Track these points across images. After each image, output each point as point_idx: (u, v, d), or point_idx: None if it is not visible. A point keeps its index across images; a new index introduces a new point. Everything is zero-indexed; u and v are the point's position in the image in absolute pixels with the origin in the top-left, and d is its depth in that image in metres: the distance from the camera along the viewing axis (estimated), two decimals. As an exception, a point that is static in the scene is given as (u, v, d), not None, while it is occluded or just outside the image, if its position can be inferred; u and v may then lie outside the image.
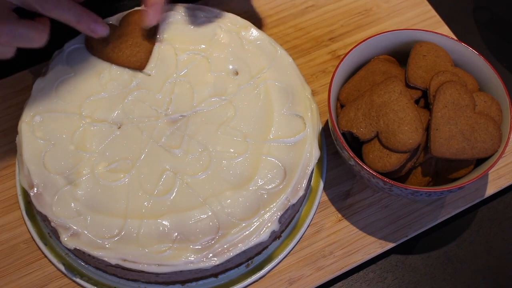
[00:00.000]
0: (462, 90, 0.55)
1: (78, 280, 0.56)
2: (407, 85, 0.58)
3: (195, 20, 0.63)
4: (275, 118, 0.58)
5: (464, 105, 0.54)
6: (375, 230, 0.61)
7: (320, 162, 0.63)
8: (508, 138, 0.55)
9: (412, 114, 0.54)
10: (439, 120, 0.54)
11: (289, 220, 0.59)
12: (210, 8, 0.64)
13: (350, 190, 0.63)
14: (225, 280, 0.57)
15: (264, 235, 0.52)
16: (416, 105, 0.56)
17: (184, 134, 0.57)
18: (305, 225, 0.60)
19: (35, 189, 0.53)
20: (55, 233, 0.55)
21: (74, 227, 0.52)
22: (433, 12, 0.75)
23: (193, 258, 0.51)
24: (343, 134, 0.57)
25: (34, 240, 0.59)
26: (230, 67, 0.61)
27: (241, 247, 0.52)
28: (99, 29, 0.57)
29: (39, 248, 0.58)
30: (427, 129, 0.55)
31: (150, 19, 0.58)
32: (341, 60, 0.59)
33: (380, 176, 0.53)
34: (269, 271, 0.58)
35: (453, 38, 0.61)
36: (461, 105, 0.54)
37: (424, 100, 0.59)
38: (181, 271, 0.51)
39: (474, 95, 0.57)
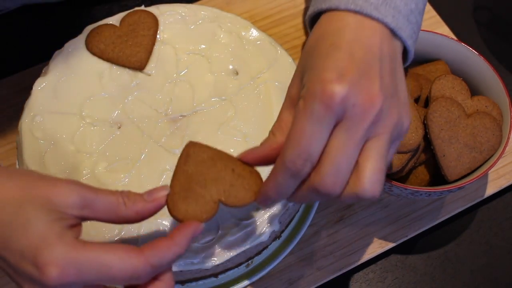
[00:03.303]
0: (448, 103, 0.54)
1: (78, 280, 0.56)
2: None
3: (195, 20, 0.63)
4: (275, 118, 0.58)
5: (456, 116, 0.54)
6: (375, 230, 0.61)
7: (320, 162, 0.63)
8: (508, 138, 0.55)
9: (412, 114, 0.54)
10: (442, 146, 0.53)
11: (289, 220, 0.59)
12: (210, 8, 0.64)
13: (350, 190, 0.63)
14: (225, 280, 0.57)
15: (264, 235, 0.52)
16: (415, 104, 0.56)
17: (184, 134, 0.57)
18: (305, 225, 0.60)
19: (35, 189, 0.53)
20: (55, 233, 0.55)
21: (74, 227, 0.52)
22: (433, 12, 0.75)
23: (193, 258, 0.51)
24: (343, 134, 0.57)
25: (34, 240, 0.58)
26: (230, 67, 0.61)
27: (241, 247, 0.52)
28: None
29: (39, 248, 0.58)
30: (435, 157, 0.54)
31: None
32: (341, 60, 0.58)
33: (380, 176, 0.53)
34: (269, 271, 0.58)
35: (453, 38, 0.61)
36: (453, 119, 0.54)
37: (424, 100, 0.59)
38: (181, 271, 0.51)
39: (476, 99, 0.57)
